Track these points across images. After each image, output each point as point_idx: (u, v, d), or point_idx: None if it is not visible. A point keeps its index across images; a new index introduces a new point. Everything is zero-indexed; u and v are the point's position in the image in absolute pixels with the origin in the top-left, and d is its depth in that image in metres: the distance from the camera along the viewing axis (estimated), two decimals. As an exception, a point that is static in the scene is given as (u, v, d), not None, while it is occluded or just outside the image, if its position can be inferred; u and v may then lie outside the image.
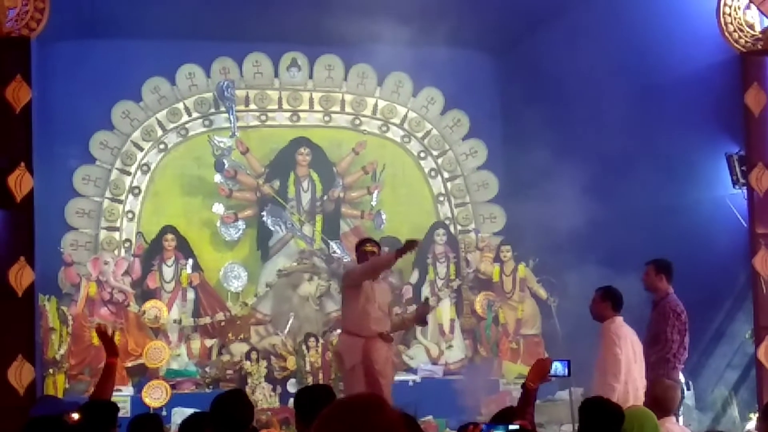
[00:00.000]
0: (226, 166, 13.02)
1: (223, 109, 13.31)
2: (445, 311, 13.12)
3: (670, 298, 9.03)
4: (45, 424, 5.37)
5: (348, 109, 13.84)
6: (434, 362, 12.86)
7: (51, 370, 11.46)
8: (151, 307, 12.40)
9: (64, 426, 5.52)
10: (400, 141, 13.94)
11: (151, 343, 12.08)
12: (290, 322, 12.57)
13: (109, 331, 6.76)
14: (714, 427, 10.02)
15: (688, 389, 10.15)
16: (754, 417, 9.77)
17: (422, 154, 13.95)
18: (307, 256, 13.04)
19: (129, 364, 12.07)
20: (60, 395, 10.89)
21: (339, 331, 10.39)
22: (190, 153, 13.41)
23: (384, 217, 13.25)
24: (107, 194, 13.04)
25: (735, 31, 10.15)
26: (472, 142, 13.97)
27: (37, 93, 9.84)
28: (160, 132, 13.33)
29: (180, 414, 10.18)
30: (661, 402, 6.70)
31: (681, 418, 8.71)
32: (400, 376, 12.36)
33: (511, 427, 3.89)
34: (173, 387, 11.52)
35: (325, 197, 13.28)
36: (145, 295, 12.58)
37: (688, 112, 10.61)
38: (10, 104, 9.45)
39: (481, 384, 11.72)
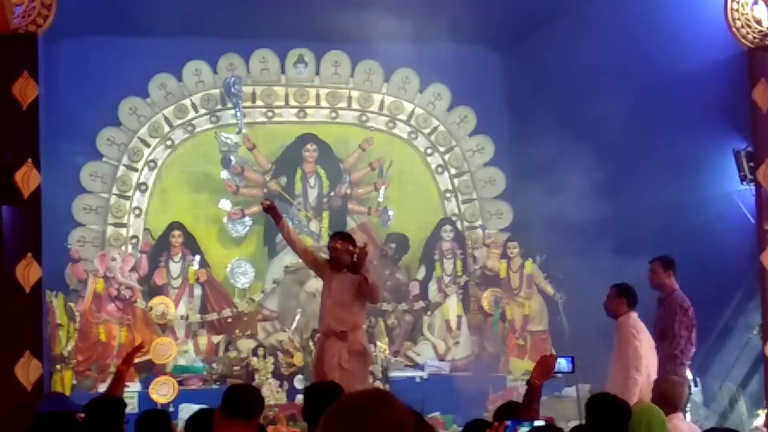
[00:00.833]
0: (232, 162, 13.01)
1: (229, 105, 13.30)
2: (452, 308, 13.10)
3: (677, 294, 9.03)
4: (53, 419, 5.38)
5: (355, 105, 13.82)
6: (441, 359, 12.84)
7: (58, 366, 11.47)
8: (159, 303, 12.42)
9: (73, 422, 5.53)
10: (406, 137, 13.92)
11: (158, 339, 12.09)
12: (297, 318, 12.56)
13: (143, 349, 6.76)
14: (721, 423, 9.99)
15: (696, 385, 10.13)
16: (761, 413, 9.77)
17: (429, 151, 13.93)
18: (314, 253, 13.04)
19: (136, 361, 12.04)
20: (67, 391, 10.92)
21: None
22: (197, 149, 13.41)
23: (391, 213, 13.23)
24: (114, 190, 13.05)
25: (743, 26, 10.11)
26: (478, 139, 13.94)
27: (44, 89, 9.84)
28: (167, 128, 13.34)
29: (187, 410, 10.14)
30: (668, 398, 6.70)
31: (688, 415, 8.71)
32: (406, 373, 12.39)
33: (536, 423, 3.87)
34: (180, 383, 11.52)
35: (332, 194, 13.27)
36: (152, 291, 12.59)
37: (695, 108, 10.59)
38: (17, 100, 9.45)
39: (488, 380, 11.71)
